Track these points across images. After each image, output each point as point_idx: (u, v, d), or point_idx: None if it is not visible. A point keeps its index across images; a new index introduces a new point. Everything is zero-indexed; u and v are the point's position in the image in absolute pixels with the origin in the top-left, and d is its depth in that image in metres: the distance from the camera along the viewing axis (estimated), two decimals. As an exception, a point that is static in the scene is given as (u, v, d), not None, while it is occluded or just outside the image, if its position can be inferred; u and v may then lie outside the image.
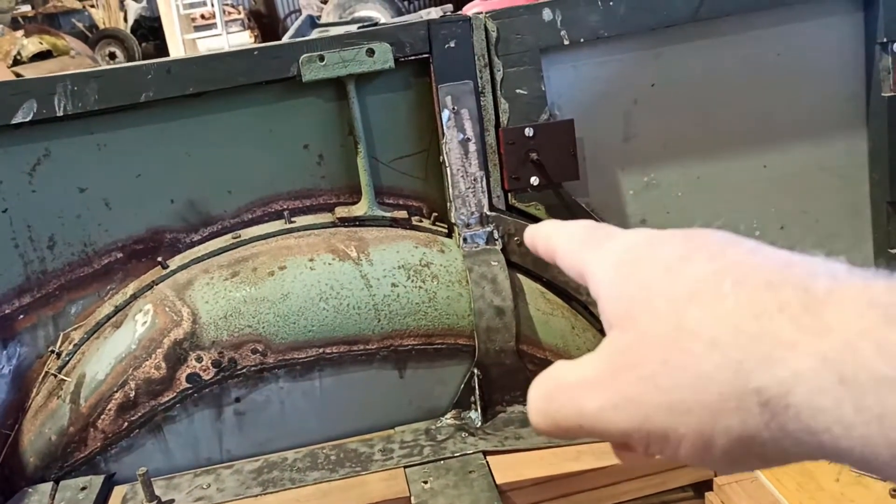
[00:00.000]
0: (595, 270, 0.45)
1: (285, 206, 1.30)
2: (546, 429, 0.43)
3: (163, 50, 9.03)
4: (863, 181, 1.40)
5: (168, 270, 1.24)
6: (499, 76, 1.26)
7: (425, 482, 1.11)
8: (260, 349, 1.16)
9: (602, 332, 1.23)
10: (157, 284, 1.23)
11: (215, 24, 8.75)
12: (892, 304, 0.33)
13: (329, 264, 1.21)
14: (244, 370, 1.16)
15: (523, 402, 1.26)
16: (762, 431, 0.35)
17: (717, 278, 0.38)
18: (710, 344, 0.36)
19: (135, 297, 1.24)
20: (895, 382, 0.31)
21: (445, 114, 1.24)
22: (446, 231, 1.33)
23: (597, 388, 0.40)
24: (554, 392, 0.43)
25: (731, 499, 1.12)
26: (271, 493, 1.12)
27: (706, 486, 1.16)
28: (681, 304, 0.38)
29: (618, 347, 0.41)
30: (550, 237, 0.51)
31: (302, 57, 1.20)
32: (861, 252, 1.40)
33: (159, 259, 1.26)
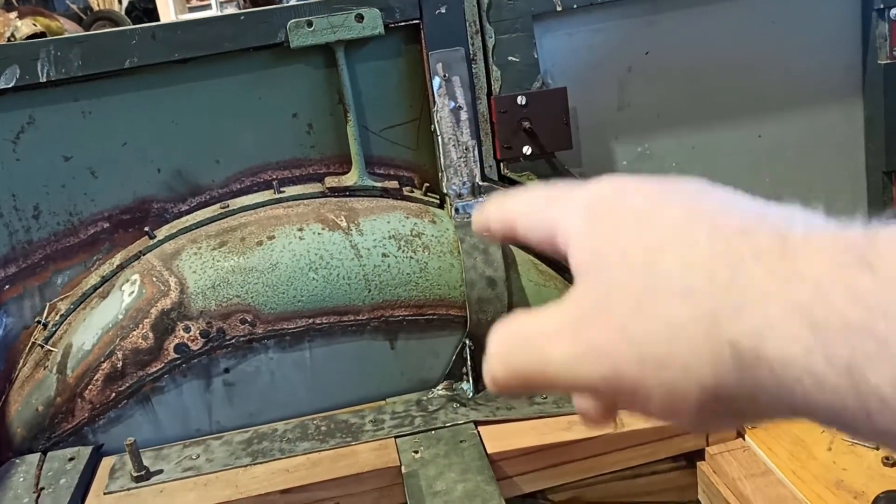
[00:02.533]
0: (565, 225, 0.42)
1: (274, 176, 1.28)
2: (505, 379, 0.41)
3: (157, 30, 8.93)
4: (859, 150, 1.38)
5: (155, 240, 1.22)
6: (490, 43, 1.24)
7: (416, 452, 1.10)
8: (249, 319, 1.15)
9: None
10: (144, 254, 1.22)
11: (210, 4, 8.68)
12: (867, 249, 0.32)
13: (318, 234, 1.19)
14: (233, 340, 1.15)
15: (515, 373, 1.25)
16: (735, 385, 0.34)
17: (691, 226, 0.37)
18: (684, 293, 0.35)
19: (122, 267, 1.22)
20: (865, 328, 0.30)
21: (436, 81, 1.22)
22: (438, 201, 1.31)
23: (563, 338, 0.39)
24: (516, 341, 0.41)
25: (723, 468, 1.11)
26: (261, 463, 1.11)
27: (698, 455, 1.16)
28: (653, 253, 0.37)
29: (587, 297, 0.39)
30: (505, 207, 0.48)
31: (290, 22, 1.18)
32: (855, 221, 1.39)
33: (146, 229, 1.24)
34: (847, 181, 1.39)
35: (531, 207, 0.46)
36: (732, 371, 0.33)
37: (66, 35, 1.17)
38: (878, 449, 1.09)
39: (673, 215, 0.38)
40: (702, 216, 0.37)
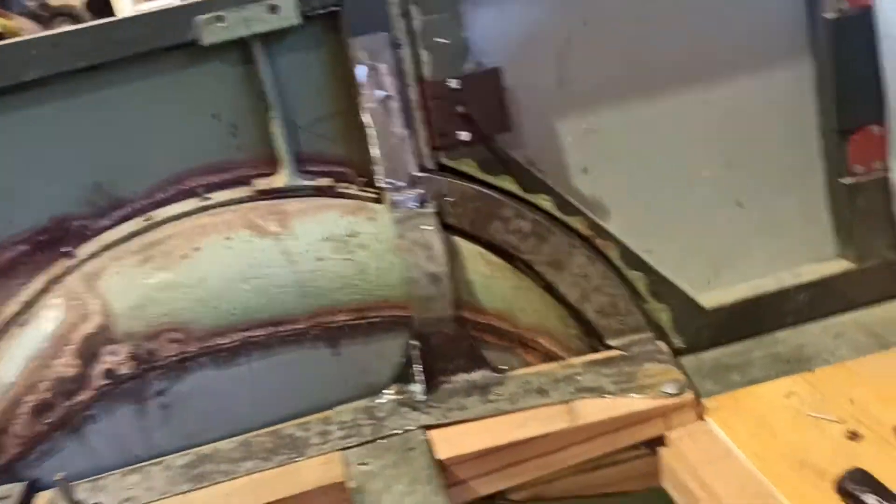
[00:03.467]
0: None
1: (199, 183, 1.22)
2: None
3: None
4: (810, 110, 1.33)
5: (76, 261, 1.16)
6: (416, 25, 1.17)
7: (363, 464, 1.05)
8: (179, 338, 1.09)
9: (548, 291, 1.16)
10: (65, 277, 1.15)
11: (163, -7, 8.50)
12: None
13: (248, 242, 1.13)
14: (165, 361, 1.09)
15: (467, 370, 1.20)
16: None
17: None
18: None
19: (42, 291, 1.15)
20: None
21: (361, 70, 1.16)
22: (375, 196, 1.25)
23: None
24: None
25: (684, 452, 1.07)
26: (202, 487, 1.06)
27: (659, 441, 1.12)
28: None
29: None
30: None
31: (199, 18, 1.11)
32: (811, 184, 1.35)
33: (66, 249, 1.17)
34: (800, 142, 1.34)
35: None
36: None
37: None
38: (841, 421, 1.05)
39: None
40: None
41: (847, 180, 1.30)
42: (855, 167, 1.30)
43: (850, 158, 1.29)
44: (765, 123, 1.33)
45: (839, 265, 1.34)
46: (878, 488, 0.90)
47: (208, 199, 1.20)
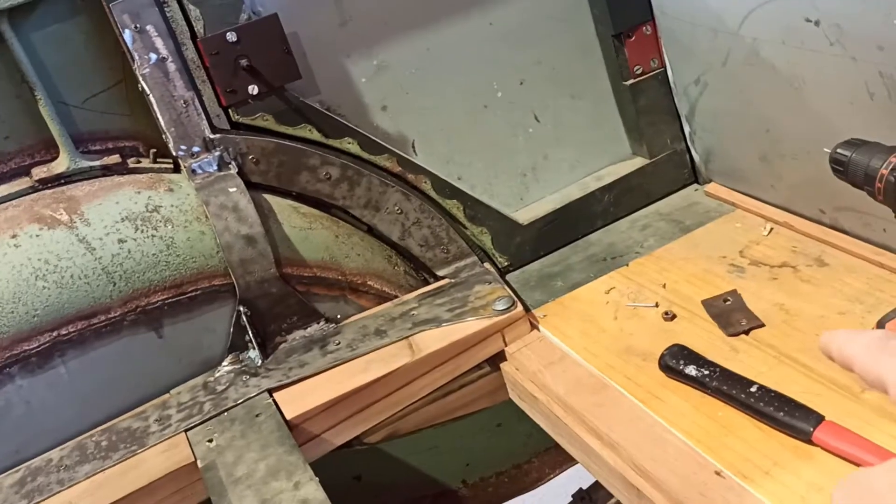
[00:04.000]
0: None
1: (-31, 182, 1.11)
2: None
3: None
4: (586, 20, 1.38)
5: None
6: (179, -20, 1.10)
7: (210, 440, 1.02)
8: (-21, 352, 1.00)
9: (370, 233, 1.15)
10: None
11: None
12: None
13: (37, 236, 1.04)
14: (-32, 380, 1.00)
15: (302, 326, 1.18)
16: None
17: None
18: None
19: None
20: None
21: (128, 35, 1.08)
22: (172, 167, 1.19)
23: None
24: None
25: (523, 363, 1.11)
26: (38, 502, 0.99)
27: (499, 357, 1.15)
28: None
29: None
30: (845, 348, 0.58)
31: (-72, 0, 0.99)
32: (598, 89, 1.41)
33: None
34: (582, 52, 1.39)
35: (866, 354, 0.55)
36: None
37: None
38: (657, 305, 1.13)
39: None
40: None
41: (629, 81, 1.37)
42: (635, 68, 1.36)
43: (629, 60, 1.36)
44: (549, 38, 1.37)
45: (635, 162, 1.42)
46: (695, 359, 0.97)
47: (-17, 198, 1.09)
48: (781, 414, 0.83)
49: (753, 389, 0.87)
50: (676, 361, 0.97)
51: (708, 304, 1.09)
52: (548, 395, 1.05)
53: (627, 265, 1.25)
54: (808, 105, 1.08)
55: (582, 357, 1.07)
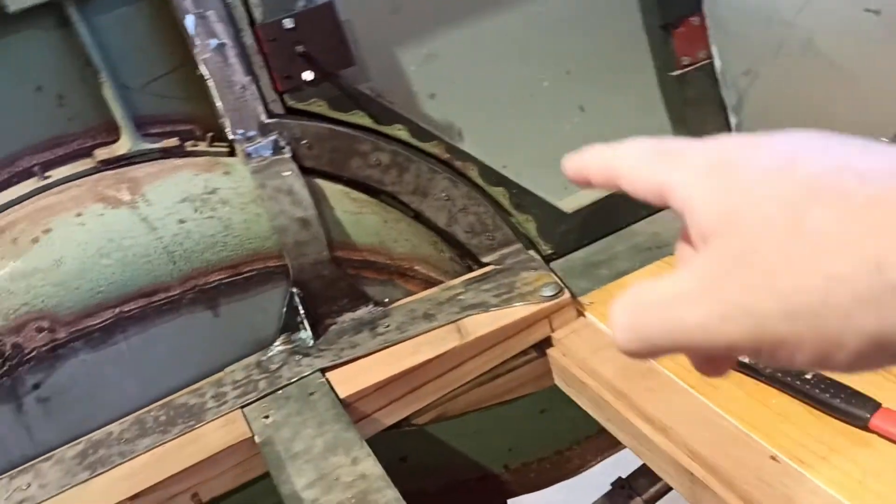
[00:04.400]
0: (679, 183, 0.41)
1: (34, 162, 1.13)
2: (636, 348, 0.42)
3: None
4: (634, 10, 1.39)
5: (-90, 265, 1.06)
6: (240, -33, 1.13)
7: (266, 417, 1.04)
8: (46, 326, 1.03)
9: (417, 219, 1.18)
10: None
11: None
12: None
13: (101, 216, 1.07)
14: (34, 353, 1.03)
15: (351, 308, 1.20)
16: None
17: (837, 175, 0.35)
18: (841, 244, 0.34)
19: None
20: None
21: (190, 20, 1.11)
22: (228, 150, 1.21)
23: (699, 301, 0.38)
24: (644, 310, 0.41)
25: (570, 349, 1.13)
26: (101, 473, 1.02)
27: (546, 343, 1.17)
28: (798, 204, 0.36)
29: (722, 258, 0.38)
30: (608, 159, 0.47)
31: (1, -16, 1.02)
32: (644, 80, 1.42)
33: None
34: (630, 42, 1.40)
35: (638, 163, 0.45)
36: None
37: None
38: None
39: (810, 167, 0.37)
40: (845, 164, 0.36)
41: (676, 72, 1.38)
42: (682, 59, 1.37)
43: (676, 51, 1.37)
44: (596, 28, 1.38)
45: (680, 153, 1.42)
46: (746, 344, 0.98)
47: (48, 177, 1.12)
48: (837, 401, 0.84)
49: (808, 376, 0.88)
50: (728, 348, 0.98)
51: (756, 293, 1.10)
52: (597, 381, 1.07)
53: (673, 254, 1.25)
54: (864, 98, 1.08)
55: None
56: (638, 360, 0.47)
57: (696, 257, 0.39)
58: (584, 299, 1.20)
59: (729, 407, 0.92)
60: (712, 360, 0.45)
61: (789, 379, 0.90)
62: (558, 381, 1.18)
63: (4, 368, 1.02)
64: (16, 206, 1.10)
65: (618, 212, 1.38)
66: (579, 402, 1.14)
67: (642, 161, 0.45)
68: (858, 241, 0.34)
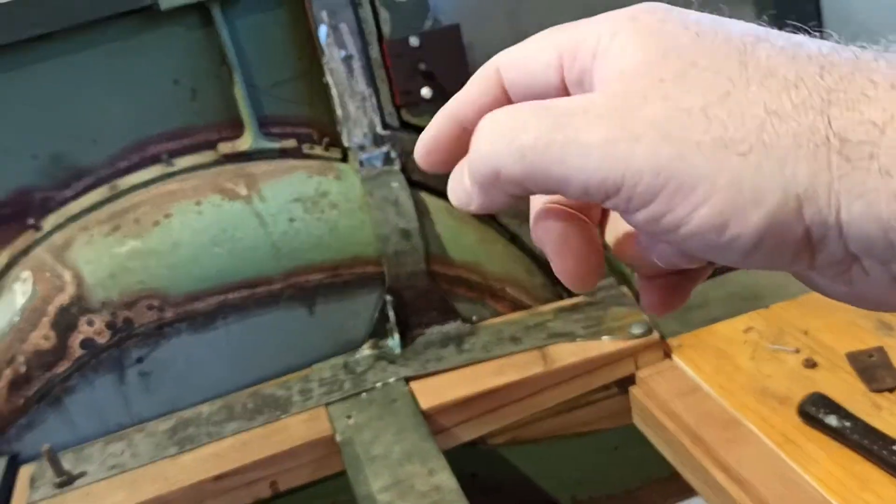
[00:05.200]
0: (595, 41, 0.33)
1: (162, 149, 1.21)
2: (507, 163, 0.31)
3: None
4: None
5: (42, 233, 1.14)
6: (375, -16, 1.18)
7: (349, 417, 1.08)
8: (156, 304, 1.09)
9: (513, 242, 1.19)
10: (32, 249, 1.13)
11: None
12: None
13: (218, 206, 1.13)
14: (142, 329, 1.09)
15: (440, 322, 1.23)
16: (825, 194, 0.28)
17: (774, 33, 0.31)
18: (791, 81, 0.29)
19: (9, 265, 1.14)
20: None
21: (323, 30, 1.16)
22: (340, 156, 1.26)
23: (610, 117, 0.30)
24: (533, 115, 0.32)
25: (654, 390, 1.12)
26: (189, 450, 1.07)
27: (629, 381, 1.17)
28: (746, 43, 0.30)
29: (645, 79, 0.30)
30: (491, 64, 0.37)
31: (156, -18, 1.09)
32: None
33: (31, 221, 1.16)
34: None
35: (531, 46, 0.36)
36: (832, 170, 0.28)
37: None
38: (798, 351, 1.12)
39: (750, 26, 0.31)
40: (780, 35, 0.31)
41: None
42: None
43: None
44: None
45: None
46: (836, 409, 0.96)
47: (173, 165, 1.19)
48: (926, 477, 0.82)
49: (897, 448, 0.86)
50: (816, 409, 0.96)
51: (852, 356, 1.08)
52: (677, 425, 1.06)
53: (768, 307, 1.24)
54: None
55: (716, 392, 1.08)
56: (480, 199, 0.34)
57: (611, 81, 0.32)
58: (672, 341, 1.20)
59: (810, 468, 0.91)
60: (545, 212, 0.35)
61: (876, 448, 0.88)
62: (636, 420, 1.18)
63: (114, 340, 1.08)
64: (141, 189, 1.17)
65: (715, 258, 1.37)
66: (655, 444, 1.14)
67: (538, 42, 0.36)
68: (808, 82, 0.29)
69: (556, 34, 0.35)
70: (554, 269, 0.35)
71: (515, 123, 0.32)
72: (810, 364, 1.09)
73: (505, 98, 0.35)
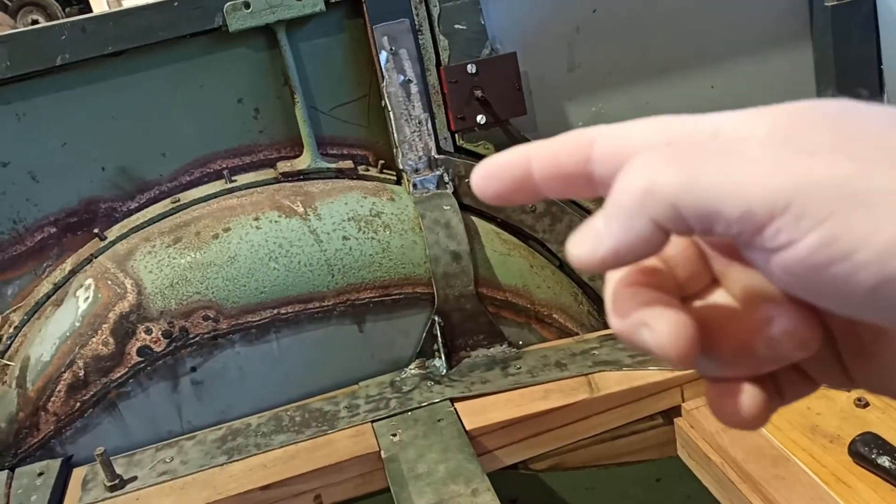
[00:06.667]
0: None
1: (224, 165, 1.25)
2: (663, 178, 0.29)
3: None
4: (810, 96, 1.38)
5: (106, 242, 1.18)
6: (435, 12, 1.21)
7: (394, 435, 1.09)
8: (211, 315, 1.12)
9: (561, 269, 1.20)
10: (95, 257, 1.18)
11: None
12: None
13: (276, 222, 1.16)
14: (197, 338, 1.12)
15: (487, 345, 1.24)
16: None
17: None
18: None
19: (74, 272, 1.18)
20: None
21: (383, 55, 1.19)
22: (395, 178, 1.29)
23: (776, 140, 0.28)
24: (694, 145, 0.30)
25: (700, 422, 1.12)
26: (237, 460, 1.09)
27: (675, 412, 1.16)
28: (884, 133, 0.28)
29: (805, 117, 0.29)
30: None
31: (226, 5, 1.14)
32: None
33: (96, 230, 1.20)
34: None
35: (636, 126, 0.32)
36: None
37: (-10, 35, 1.11)
38: (849, 391, 1.10)
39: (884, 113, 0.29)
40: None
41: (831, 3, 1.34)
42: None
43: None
44: (767, 107, 1.38)
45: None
46: (889, 449, 0.95)
47: (234, 181, 1.23)
48: (983, 522, 0.80)
49: (953, 492, 0.85)
50: (869, 449, 0.95)
51: (905, 398, 1.06)
52: (723, 459, 1.05)
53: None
54: None
55: (764, 428, 1.07)
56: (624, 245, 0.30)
57: (758, 126, 0.29)
58: (719, 375, 1.19)
59: (861, 509, 0.90)
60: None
61: (932, 492, 0.86)
62: (681, 452, 1.17)
63: (170, 348, 1.11)
64: (203, 203, 1.21)
65: (765, 293, 1.36)
66: (700, 477, 1.13)
67: (641, 124, 0.32)
68: None
69: (667, 120, 0.32)
70: (662, 355, 0.31)
71: (676, 153, 0.29)
72: (862, 403, 1.07)
73: (584, 169, 0.33)
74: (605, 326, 1.33)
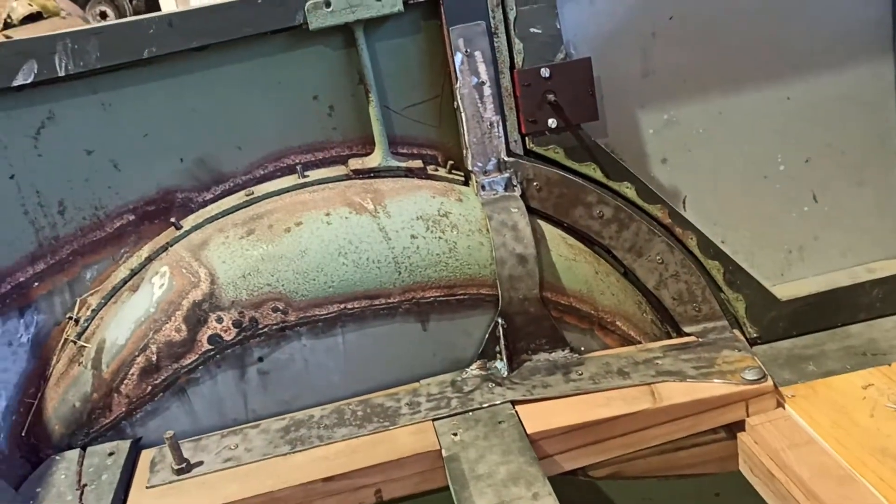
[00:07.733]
0: None
1: (297, 161, 1.27)
2: None
3: (154, 7, 8.82)
4: (890, 109, 1.35)
5: (182, 231, 1.22)
6: (512, 15, 1.21)
7: (455, 434, 1.10)
8: (281, 307, 1.14)
9: (626, 276, 1.20)
10: (171, 246, 1.21)
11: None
12: None
13: (346, 218, 1.18)
14: (266, 329, 1.14)
15: (549, 349, 1.24)
16: None
17: None
18: None
19: (150, 259, 1.21)
20: None
21: (458, 57, 1.20)
22: (463, 179, 1.30)
23: None
24: None
25: (765, 438, 1.10)
26: (300, 451, 1.11)
27: (738, 426, 1.15)
28: None
29: None
30: None
31: (308, 4, 1.16)
32: (888, 180, 1.36)
33: (172, 220, 1.23)
34: (878, 141, 1.36)
35: None
36: None
37: (83, 27, 1.15)
38: (921, 414, 1.08)
39: None
40: None
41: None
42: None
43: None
44: (844, 121, 1.35)
45: (913, 262, 1.36)
46: (963, 475, 0.92)
47: (306, 176, 1.25)
48: None
49: None
50: (942, 475, 0.93)
51: (982, 424, 1.03)
52: (788, 476, 1.04)
53: (890, 365, 1.20)
54: None
55: (831, 446, 1.05)
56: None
57: None
58: (786, 390, 1.17)
59: (934, 536, 0.88)
60: None
61: None
62: (743, 468, 1.16)
63: (239, 338, 1.14)
64: (276, 197, 1.23)
65: (835, 309, 1.33)
66: (762, 494, 1.11)
67: None
68: None
69: None
70: None
71: None
72: (935, 427, 1.04)
73: None
74: (668, 336, 1.32)
